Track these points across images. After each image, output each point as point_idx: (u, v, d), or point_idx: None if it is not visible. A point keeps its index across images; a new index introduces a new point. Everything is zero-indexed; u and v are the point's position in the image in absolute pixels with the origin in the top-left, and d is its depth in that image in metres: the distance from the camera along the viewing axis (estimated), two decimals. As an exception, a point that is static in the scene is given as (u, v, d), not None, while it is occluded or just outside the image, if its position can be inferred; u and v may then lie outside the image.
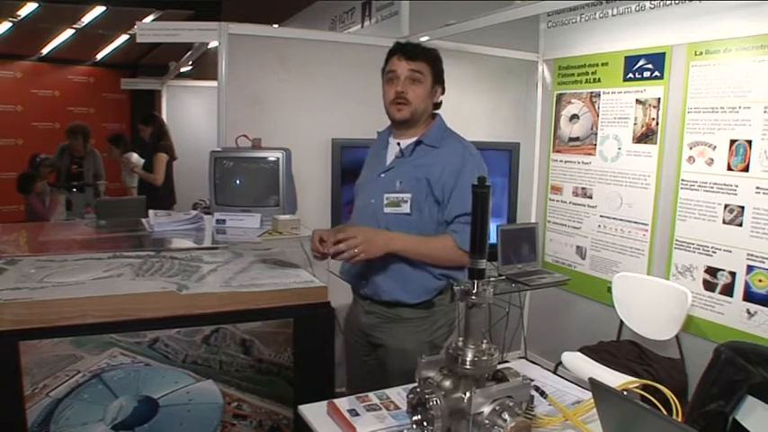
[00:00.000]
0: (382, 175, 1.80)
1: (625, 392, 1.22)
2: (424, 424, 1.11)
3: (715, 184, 2.54)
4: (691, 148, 2.64)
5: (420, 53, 1.75)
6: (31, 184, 4.89)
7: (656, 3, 2.80)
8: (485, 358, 1.14)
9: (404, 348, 1.75)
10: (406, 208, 1.73)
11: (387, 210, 1.75)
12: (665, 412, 1.19)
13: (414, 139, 1.79)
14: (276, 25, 4.07)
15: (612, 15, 3.04)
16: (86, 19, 5.97)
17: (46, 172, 5.17)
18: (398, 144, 1.80)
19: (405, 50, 1.75)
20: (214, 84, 3.06)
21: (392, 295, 1.76)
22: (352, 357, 1.97)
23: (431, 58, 1.77)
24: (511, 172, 3.11)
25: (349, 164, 2.81)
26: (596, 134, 3.15)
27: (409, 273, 1.73)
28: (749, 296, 2.43)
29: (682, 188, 2.69)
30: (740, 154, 2.44)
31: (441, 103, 1.85)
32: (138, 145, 5.32)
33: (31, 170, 5.20)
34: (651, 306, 2.73)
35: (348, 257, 1.63)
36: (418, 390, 1.14)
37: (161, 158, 4.60)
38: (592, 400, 1.17)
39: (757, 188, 2.38)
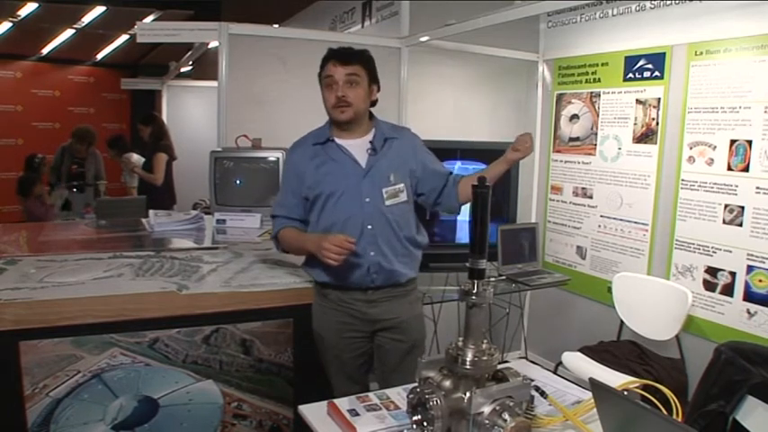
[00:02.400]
0: (367, 176, 1.83)
1: (625, 392, 1.22)
2: (424, 424, 1.11)
3: (715, 184, 2.53)
4: (691, 148, 2.64)
5: (354, 57, 1.82)
6: (32, 186, 4.86)
7: (656, 3, 2.80)
8: (485, 358, 1.14)
9: (418, 314, 1.96)
10: (403, 196, 1.86)
11: (388, 202, 1.83)
12: (665, 412, 1.19)
13: (371, 136, 1.88)
14: (276, 25, 4.07)
15: (612, 15, 3.04)
16: (86, 19, 5.97)
17: (45, 172, 5.16)
18: (371, 142, 1.86)
19: (339, 56, 1.82)
20: (214, 84, 3.07)
21: (408, 275, 1.88)
22: (346, 362, 1.87)
23: (364, 60, 1.85)
24: (511, 172, 3.11)
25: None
26: (596, 134, 3.15)
27: (411, 251, 1.89)
28: (749, 296, 2.43)
29: (682, 188, 2.69)
30: (740, 154, 2.44)
31: (377, 100, 1.93)
32: (138, 145, 5.32)
33: (29, 172, 5.18)
34: (651, 306, 2.73)
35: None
36: (418, 390, 1.14)
37: (161, 158, 4.60)
38: (592, 400, 1.17)
39: (757, 188, 2.38)
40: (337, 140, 1.87)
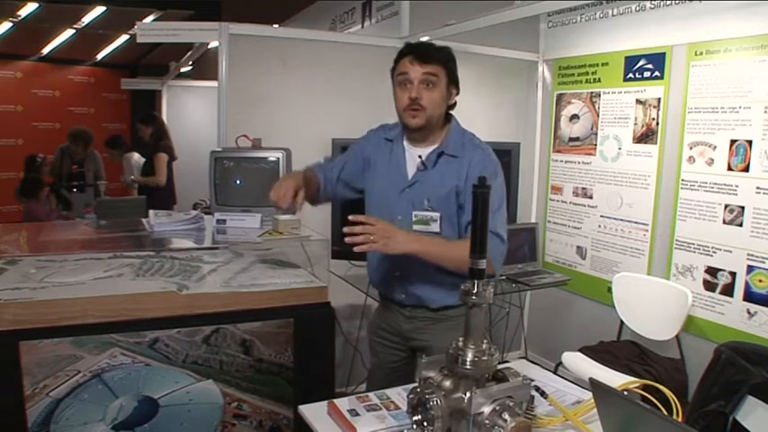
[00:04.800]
0: (406, 190, 1.72)
1: (625, 392, 1.22)
2: (425, 424, 1.11)
3: (715, 184, 2.53)
4: (691, 148, 2.64)
5: (433, 55, 1.64)
6: (37, 188, 4.83)
7: (656, 3, 2.80)
8: (485, 358, 1.14)
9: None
10: (435, 227, 1.68)
11: (416, 227, 1.69)
12: (665, 412, 1.20)
13: (433, 147, 1.71)
14: (276, 25, 4.07)
15: (612, 15, 3.04)
16: (86, 19, 5.97)
17: (46, 172, 5.16)
18: (419, 157, 1.71)
19: (417, 52, 1.64)
20: (214, 84, 3.07)
21: (440, 303, 1.74)
22: (379, 362, 1.90)
23: (445, 60, 1.67)
24: (511, 172, 3.11)
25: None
26: (596, 134, 3.15)
27: (451, 278, 1.67)
28: (749, 296, 2.43)
29: (682, 188, 2.69)
30: (740, 154, 2.44)
31: (455, 103, 1.75)
32: (138, 145, 5.32)
33: (30, 173, 5.16)
34: (651, 306, 2.73)
35: (363, 246, 1.51)
36: (418, 390, 1.14)
37: (162, 158, 4.60)
38: (592, 401, 1.17)
39: (757, 188, 2.38)
40: (404, 143, 1.75)
